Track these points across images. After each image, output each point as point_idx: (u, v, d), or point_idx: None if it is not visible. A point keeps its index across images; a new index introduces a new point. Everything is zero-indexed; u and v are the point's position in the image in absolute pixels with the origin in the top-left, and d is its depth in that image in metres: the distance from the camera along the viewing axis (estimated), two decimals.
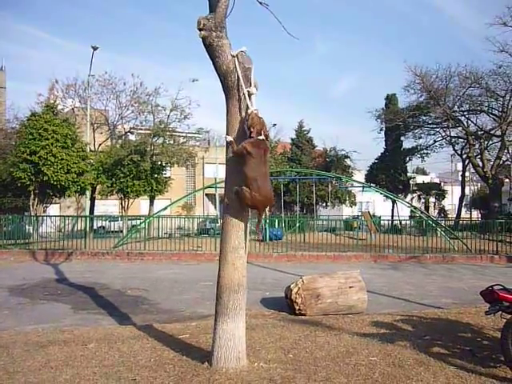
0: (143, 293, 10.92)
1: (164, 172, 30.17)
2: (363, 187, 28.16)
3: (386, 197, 36.19)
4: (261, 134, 4.80)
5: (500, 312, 5.32)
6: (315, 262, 16.83)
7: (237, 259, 5.01)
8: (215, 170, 48.99)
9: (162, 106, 30.28)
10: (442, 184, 59.27)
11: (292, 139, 45.75)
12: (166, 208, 22.53)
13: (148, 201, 31.21)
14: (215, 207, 50.10)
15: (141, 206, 41.30)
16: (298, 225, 27.21)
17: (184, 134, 31.62)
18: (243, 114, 5.06)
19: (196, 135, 32.19)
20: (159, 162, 29.37)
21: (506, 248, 19.01)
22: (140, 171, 27.21)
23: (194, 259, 17.28)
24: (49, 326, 7.61)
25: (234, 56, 4.99)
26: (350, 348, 5.95)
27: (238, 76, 4.94)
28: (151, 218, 21.73)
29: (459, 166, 68.88)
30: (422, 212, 27.32)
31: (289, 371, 5.00)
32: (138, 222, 25.28)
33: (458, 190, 53.75)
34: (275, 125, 50.10)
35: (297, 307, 8.54)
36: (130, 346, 6.11)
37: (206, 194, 49.60)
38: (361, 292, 8.94)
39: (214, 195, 48.60)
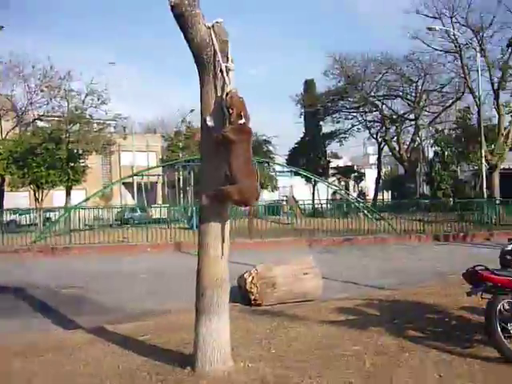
0: (80, 290, 10.10)
1: (82, 161, 28.55)
2: (290, 171, 28.38)
3: (307, 180, 36.88)
4: (241, 117, 4.35)
5: (481, 292, 5.26)
6: (253, 249, 16.54)
7: (220, 253, 4.56)
8: (132, 158, 47.34)
9: (77, 90, 28.56)
10: (355, 167, 61.51)
11: None
12: (88, 198, 21.36)
13: (61, 192, 29.40)
14: (133, 196, 48.55)
15: (53, 197, 38.96)
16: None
17: (101, 121, 30.02)
18: (219, 92, 4.58)
19: (113, 121, 30.69)
20: (75, 150, 27.75)
21: (427, 227, 19.85)
22: (55, 160, 25.51)
23: (124, 251, 16.42)
24: None
25: (209, 27, 4.48)
26: (327, 338, 5.72)
27: (214, 49, 4.45)
28: (72, 210, 20.39)
29: (370, 150, 71.98)
30: (348, 194, 27.98)
31: (278, 369, 4.66)
32: (53, 214, 23.72)
33: (369, 172, 56.11)
34: (193, 110, 49.07)
35: (252, 297, 8.22)
36: (90, 354, 5.47)
37: (124, 183, 47.88)
38: (316, 278, 8.80)
39: (132, 184, 47.03)
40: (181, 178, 40.36)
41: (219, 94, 4.57)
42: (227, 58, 4.56)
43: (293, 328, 6.24)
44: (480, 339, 5.54)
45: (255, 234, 18.31)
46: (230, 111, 4.31)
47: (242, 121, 4.33)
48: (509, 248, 5.56)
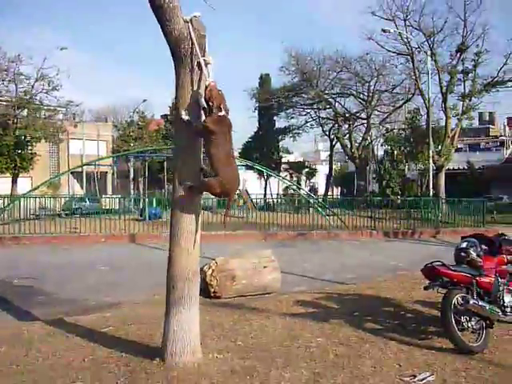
0: (34, 282, 9.80)
1: (30, 148, 27.56)
2: (244, 165, 28.46)
3: (260, 174, 37.11)
4: (221, 109, 4.41)
5: (437, 288, 5.54)
6: (206, 242, 16.44)
7: (191, 245, 4.60)
8: (82, 146, 46.11)
9: (26, 75, 27.46)
10: (306, 163, 62.32)
11: (166, 115, 44.61)
12: (38, 187, 20.65)
13: (6, 179, 28.24)
14: (81, 186, 47.32)
15: None
16: None
17: (52, 107, 29.02)
18: (196, 85, 4.61)
19: (65, 108, 29.71)
20: (23, 137, 26.75)
21: (378, 224, 20.46)
22: (2, 146, 24.54)
23: (77, 242, 16.04)
24: None
25: (186, 21, 4.50)
26: (290, 331, 5.86)
27: (192, 43, 4.47)
28: (21, 198, 19.65)
29: (320, 146, 73.04)
30: (300, 189, 28.36)
31: (246, 360, 4.76)
32: None
33: (319, 168, 56.85)
34: (145, 100, 48.50)
35: (212, 290, 8.27)
36: (52, 346, 5.37)
37: (72, 172, 46.53)
38: (275, 272, 8.94)
39: (81, 173, 45.82)
40: (131, 168, 39.78)
41: (195, 88, 4.61)
42: (204, 52, 4.60)
43: (256, 321, 6.35)
44: (434, 331, 5.86)
45: (210, 228, 18.27)
46: (210, 104, 4.36)
47: (222, 113, 4.38)
48: (463, 245, 5.87)
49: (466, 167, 42.45)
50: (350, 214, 21.31)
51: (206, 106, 4.43)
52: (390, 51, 31.57)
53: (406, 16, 30.04)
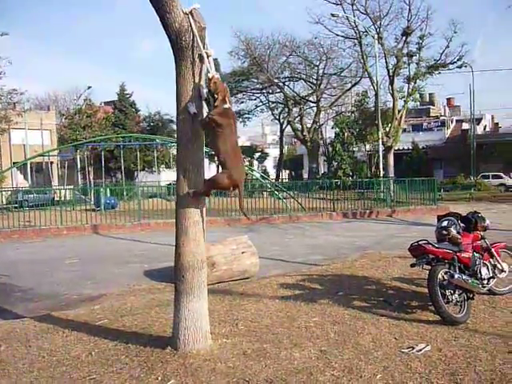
0: (5, 279, 9.56)
1: None
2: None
3: (211, 160, 36.95)
4: (226, 102, 4.50)
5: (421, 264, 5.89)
6: (170, 229, 16.40)
7: (198, 234, 4.70)
8: (25, 136, 44.29)
9: None
10: (253, 147, 62.69)
11: (113, 102, 43.54)
12: None
13: None
14: (25, 177, 45.59)
15: None
16: (131, 193, 26.32)
17: None
18: (197, 78, 4.67)
19: (8, 97, 28.49)
20: None
21: (336, 205, 20.99)
22: None
23: (38, 236, 15.61)
24: None
25: (186, 13, 4.53)
26: (285, 313, 6.07)
27: (193, 35, 4.51)
28: None
29: (267, 130, 73.54)
30: (259, 173, 28.59)
31: (255, 343, 4.93)
32: None
33: (267, 152, 57.31)
34: (90, 87, 46.97)
35: None
36: (52, 342, 5.34)
37: (15, 163, 44.67)
38: (253, 257, 9.12)
39: (25, 165, 44.11)
40: (77, 157, 38.67)
41: (197, 81, 4.66)
42: (204, 44, 4.65)
43: (249, 305, 6.52)
44: (417, 305, 6.23)
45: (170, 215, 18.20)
46: (215, 96, 4.43)
47: (227, 105, 4.47)
48: (444, 224, 6.25)
49: (410, 147, 43.99)
50: (304, 196, 21.72)
51: (206, 97, 4.51)
52: (338, 35, 32.21)
53: (353, 0, 30.60)
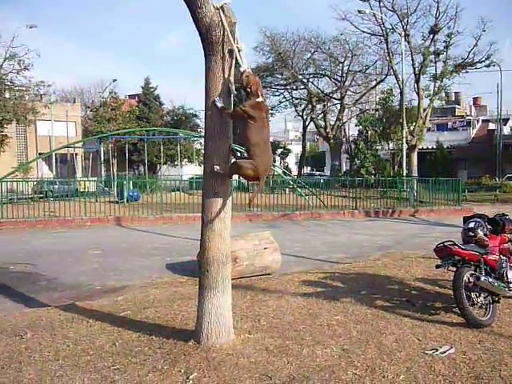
0: (31, 268, 9.74)
1: (1, 130, 26.84)
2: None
3: (234, 155, 37.02)
4: (259, 95, 4.51)
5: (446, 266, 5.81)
6: (192, 223, 16.59)
7: (224, 229, 4.72)
8: (50, 127, 44.99)
9: None
10: (276, 143, 62.62)
11: (138, 95, 43.91)
12: (16, 170, 20.17)
13: None
14: (50, 168, 46.33)
15: None
16: (154, 186, 26.54)
17: (23, 88, 28.24)
18: (226, 73, 4.68)
19: (36, 89, 28.93)
20: None
21: (358, 203, 20.86)
22: None
23: (62, 226, 15.87)
24: None
25: (217, 8, 4.54)
26: (307, 310, 6.07)
27: (223, 30, 4.52)
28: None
29: (289, 126, 73.40)
30: (280, 169, 28.44)
31: (277, 339, 4.94)
32: None
33: (289, 148, 57.20)
34: (115, 80, 47.43)
35: None
36: (76, 331, 5.43)
37: (40, 154, 45.43)
38: (275, 253, 9.11)
39: (51, 156, 44.81)
40: (101, 150, 39.10)
41: (226, 76, 4.67)
42: (235, 38, 4.65)
43: (271, 301, 6.53)
44: (441, 307, 6.17)
45: (192, 209, 18.31)
46: (248, 90, 4.45)
47: (260, 99, 4.48)
48: (471, 225, 6.17)
49: (434, 147, 43.42)
50: (326, 193, 21.61)
51: (235, 93, 4.53)
52: (364, 32, 31.87)
53: None
